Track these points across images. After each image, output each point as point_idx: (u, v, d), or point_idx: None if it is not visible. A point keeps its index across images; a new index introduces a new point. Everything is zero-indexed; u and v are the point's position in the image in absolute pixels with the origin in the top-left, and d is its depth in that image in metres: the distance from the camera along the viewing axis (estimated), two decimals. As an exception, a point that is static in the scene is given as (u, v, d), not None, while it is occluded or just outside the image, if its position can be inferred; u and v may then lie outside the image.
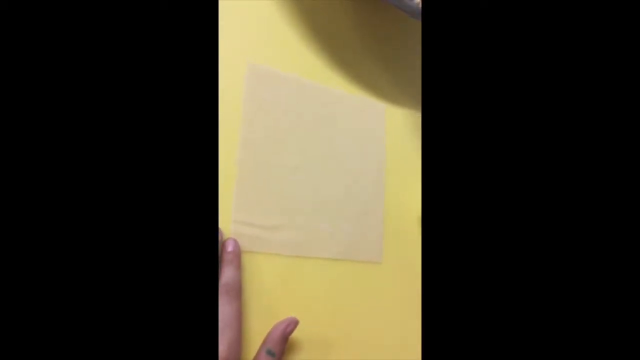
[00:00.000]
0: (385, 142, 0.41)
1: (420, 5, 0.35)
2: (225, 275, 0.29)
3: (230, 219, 0.32)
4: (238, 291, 0.29)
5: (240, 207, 0.32)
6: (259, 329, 0.31)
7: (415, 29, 0.46)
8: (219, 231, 0.30)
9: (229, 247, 0.30)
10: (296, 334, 0.32)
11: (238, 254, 0.30)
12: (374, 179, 0.40)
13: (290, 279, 0.34)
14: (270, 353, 0.29)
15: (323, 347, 0.34)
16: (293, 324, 0.31)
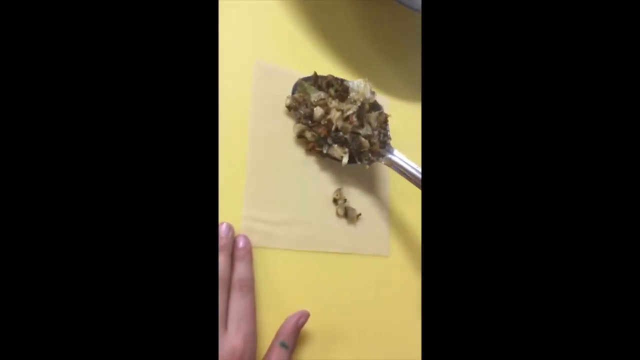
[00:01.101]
0: (391, 136, 0.42)
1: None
2: (238, 271, 0.30)
3: (241, 215, 0.33)
4: (251, 286, 0.30)
5: (250, 204, 0.33)
6: (271, 322, 0.32)
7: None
8: (231, 227, 0.31)
9: (240, 244, 0.31)
10: (307, 326, 0.32)
11: (249, 249, 0.31)
12: (380, 173, 0.40)
13: (300, 273, 0.34)
14: (283, 345, 0.30)
15: (333, 338, 0.34)
16: (305, 316, 0.32)
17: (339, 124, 0.34)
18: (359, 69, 0.41)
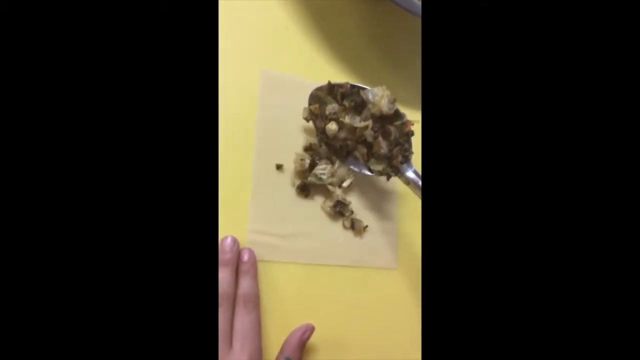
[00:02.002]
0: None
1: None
2: (242, 286, 0.30)
3: (246, 228, 0.32)
4: (256, 302, 0.30)
5: (255, 217, 0.33)
6: (276, 336, 0.31)
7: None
8: (236, 241, 0.31)
9: (245, 257, 0.31)
10: (313, 340, 0.32)
11: (254, 263, 0.31)
12: (388, 183, 0.40)
13: (306, 286, 0.34)
14: None
15: (339, 352, 0.34)
16: (309, 330, 0.31)
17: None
18: (367, 77, 0.41)
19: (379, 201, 0.39)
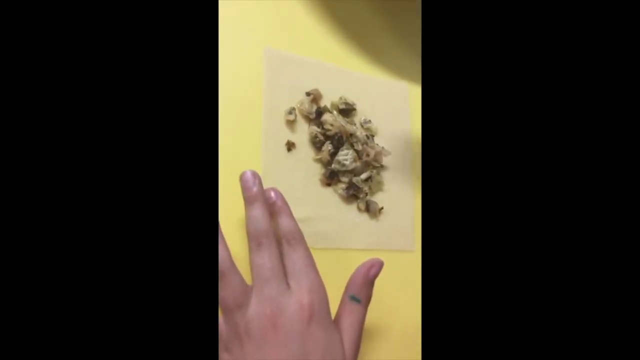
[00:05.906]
0: (411, 122, 0.39)
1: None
2: (281, 226, 0.26)
3: (258, 212, 0.31)
4: (300, 237, 0.26)
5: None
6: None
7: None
8: (256, 174, 0.27)
9: (272, 197, 0.27)
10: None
11: (284, 201, 0.27)
12: (401, 162, 0.38)
13: (323, 272, 0.32)
14: (354, 299, 0.26)
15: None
16: (377, 265, 0.27)
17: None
18: (374, 54, 0.39)
19: (394, 181, 0.37)
